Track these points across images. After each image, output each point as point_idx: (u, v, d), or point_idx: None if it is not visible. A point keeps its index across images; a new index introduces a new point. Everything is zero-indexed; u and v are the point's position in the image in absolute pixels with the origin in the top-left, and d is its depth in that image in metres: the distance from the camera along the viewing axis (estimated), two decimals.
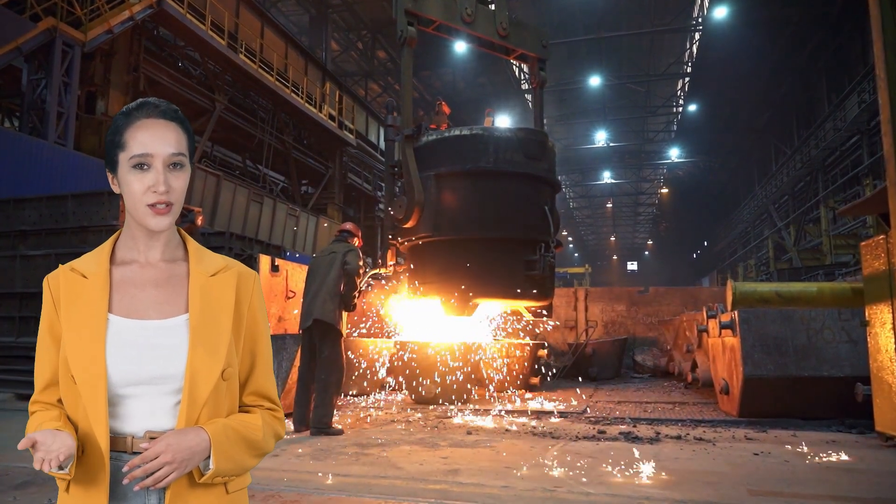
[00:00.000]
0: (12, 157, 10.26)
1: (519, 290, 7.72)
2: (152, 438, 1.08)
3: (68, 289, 1.13)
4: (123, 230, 1.20)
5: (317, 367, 5.53)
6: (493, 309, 8.69)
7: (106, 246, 1.19)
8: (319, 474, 3.86)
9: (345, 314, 5.71)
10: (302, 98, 19.47)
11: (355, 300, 5.72)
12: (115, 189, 1.17)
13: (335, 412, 5.63)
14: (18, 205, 8.47)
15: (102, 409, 1.07)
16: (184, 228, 7.24)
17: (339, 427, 5.45)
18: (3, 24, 10.73)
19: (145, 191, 1.11)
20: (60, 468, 1.03)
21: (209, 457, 1.08)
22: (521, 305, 8.28)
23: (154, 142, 1.12)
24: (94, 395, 1.07)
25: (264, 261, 7.03)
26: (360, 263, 5.74)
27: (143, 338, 1.11)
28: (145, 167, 1.12)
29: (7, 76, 11.94)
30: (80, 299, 1.13)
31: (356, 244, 5.99)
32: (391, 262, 8.48)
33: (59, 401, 1.14)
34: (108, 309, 1.12)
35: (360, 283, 5.48)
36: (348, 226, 6.17)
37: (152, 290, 1.16)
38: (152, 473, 1.03)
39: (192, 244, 1.23)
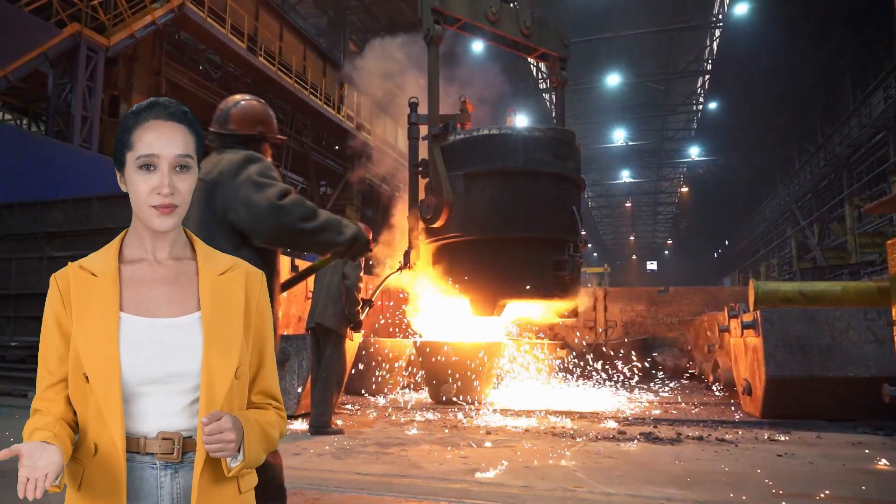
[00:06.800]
0: (39, 161, 10.47)
1: (547, 291, 7.65)
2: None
3: (78, 287, 1.12)
4: (130, 229, 1.19)
5: (319, 367, 5.57)
6: (520, 309, 8.61)
7: (113, 244, 1.18)
8: (341, 473, 3.90)
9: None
10: (320, 100, 19.59)
11: (359, 316, 5.55)
12: (123, 187, 1.15)
13: (336, 410, 5.64)
14: (45, 207, 8.64)
15: (118, 407, 1.05)
16: None
17: (338, 427, 5.48)
18: (29, 29, 10.95)
19: (150, 192, 1.10)
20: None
21: (239, 448, 1.07)
22: (549, 306, 8.22)
23: (161, 143, 1.11)
24: (109, 393, 1.06)
25: (283, 262, 7.09)
26: (360, 275, 5.63)
27: (155, 336, 1.10)
28: (151, 168, 1.11)
29: (33, 81, 12.16)
30: (90, 297, 1.11)
31: None
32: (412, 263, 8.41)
33: (67, 398, 1.11)
34: (119, 307, 1.11)
35: (373, 293, 5.39)
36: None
37: (162, 288, 1.15)
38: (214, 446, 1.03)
39: (200, 243, 1.22)
